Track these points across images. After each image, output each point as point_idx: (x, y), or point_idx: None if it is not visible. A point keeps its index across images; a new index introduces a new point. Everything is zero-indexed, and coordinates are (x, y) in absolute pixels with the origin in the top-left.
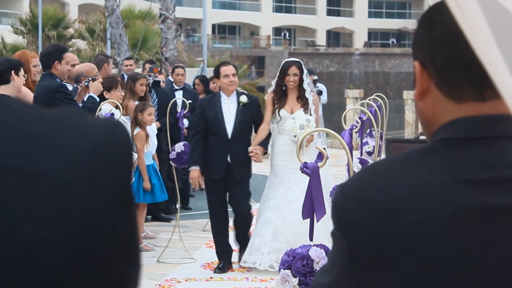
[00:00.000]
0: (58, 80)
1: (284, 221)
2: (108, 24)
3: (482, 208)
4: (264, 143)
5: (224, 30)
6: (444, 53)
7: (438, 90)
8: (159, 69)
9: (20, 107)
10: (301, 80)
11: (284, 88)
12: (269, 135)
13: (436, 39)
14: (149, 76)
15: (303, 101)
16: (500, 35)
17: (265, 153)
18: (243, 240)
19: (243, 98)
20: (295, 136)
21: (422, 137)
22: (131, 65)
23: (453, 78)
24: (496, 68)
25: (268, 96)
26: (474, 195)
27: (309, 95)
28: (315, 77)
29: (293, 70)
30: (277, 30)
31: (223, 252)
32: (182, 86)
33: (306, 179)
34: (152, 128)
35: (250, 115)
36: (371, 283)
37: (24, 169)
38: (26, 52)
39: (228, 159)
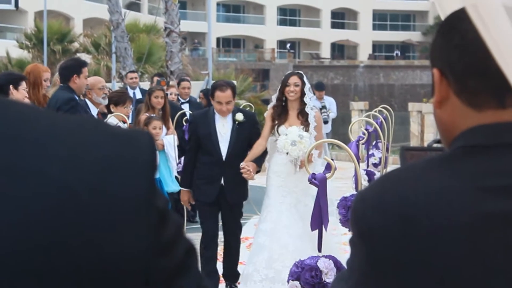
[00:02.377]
0: (73, 95)
1: (282, 247)
2: (113, 38)
3: (503, 216)
4: (258, 160)
5: (228, 44)
6: (463, 60)
7: (457, 97)
8: (166, 81)
9: (28, 111)
10: (302, 93)
11: (284, 103)
12: (265, 152)
13: (455, 46)
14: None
15: (304, 117)
16: None
17: (258, 171)
18: (231, 266)
19: (239, 116)
20: (287, 153)
21: (435, 145)
22: (135, 77)
23: (473, 85)
24: None
25: (268, 111)
26: (495, 202)
27: (310, 110)
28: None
29: (294, 79)
30: (282, 43)
31: (209, 278)
32: (188, 99)
33: (300, 202)
34: (169, 140)
35: (247, 134)
36: None
37: (16, 168)
38: (38, 65)
39: (222, 181)
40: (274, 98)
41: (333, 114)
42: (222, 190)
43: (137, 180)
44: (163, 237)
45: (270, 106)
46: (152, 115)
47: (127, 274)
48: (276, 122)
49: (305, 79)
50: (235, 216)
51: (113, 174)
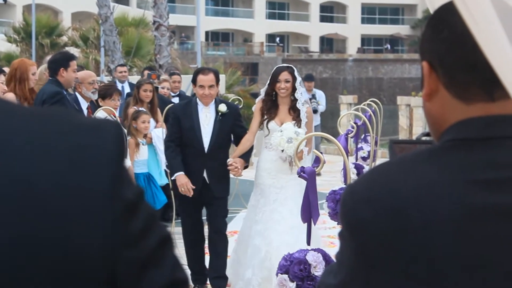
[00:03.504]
0: (60, 88)
1: (269, 245)
2: (101, 32)
3: (492, 208)
4: (246, 156)
5: (217, 37)
6: (453, 53)
7: (447, 90)
8: (157, 75)
9: None
10: (293, 89)
11: (274, 98)
12: (252, 147)
13: (445, 39)
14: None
15: (295, 113)
16: (511, 37)
17: (246, 166)
18: (218, 270)
19: (222, 107)
20: (282, 150)
21: (424, 138)
22: (125, 71)
23: (462, 78)
24: (506, 69)
25: (257, 105)
26: (484, 195)
27: (302, 106)
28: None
29: (285, 75)
30: (271, 37)
31: (198, 275)
32: (178, 92)
33: (292, 198)
34: (157, 133)
35: (230, 126)
36: (380, 284)
37: None
38: (25, 61)
39: (204, 174)
40: (263, 91)
41: (322, 107)
42: (205, 184)
43: (100, 170)
44: (131, 227)
45: (258, 99)
46: (140, 108)
47: (93, 267)
48: (266, 117)
49: (296, 73)
50: (220, 207)
51: (76, 165)
